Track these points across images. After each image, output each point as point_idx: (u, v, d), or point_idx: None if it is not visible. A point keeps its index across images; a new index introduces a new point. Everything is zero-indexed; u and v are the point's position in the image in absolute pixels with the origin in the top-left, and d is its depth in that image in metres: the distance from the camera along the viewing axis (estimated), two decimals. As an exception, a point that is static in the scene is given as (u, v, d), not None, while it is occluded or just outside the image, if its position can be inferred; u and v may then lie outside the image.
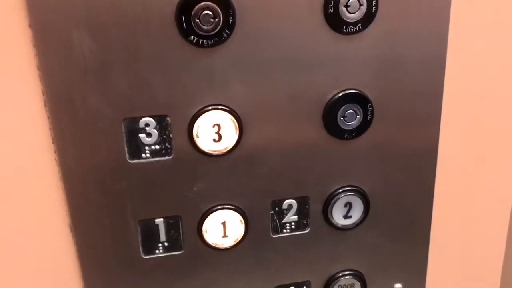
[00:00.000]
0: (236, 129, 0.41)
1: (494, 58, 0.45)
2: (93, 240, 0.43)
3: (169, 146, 0.41)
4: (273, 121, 0.42)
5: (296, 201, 0.46)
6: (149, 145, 0.41)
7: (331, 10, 0.39)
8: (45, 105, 0.38)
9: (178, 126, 0.41)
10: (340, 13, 0.39)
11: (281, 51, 0.40)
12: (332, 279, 0.50)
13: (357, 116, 0.43)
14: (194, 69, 0.39)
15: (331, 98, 0.42)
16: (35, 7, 0.35)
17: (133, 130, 0.40)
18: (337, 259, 0.49)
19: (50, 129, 0.39)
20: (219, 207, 0.44)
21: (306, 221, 0.47)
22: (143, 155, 0.41)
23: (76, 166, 0.40)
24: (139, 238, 0.44)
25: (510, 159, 0.50)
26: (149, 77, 0.39)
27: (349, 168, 0.46)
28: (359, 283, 0.51)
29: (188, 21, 0.37)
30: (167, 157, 0.42)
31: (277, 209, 0.46)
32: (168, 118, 0.40)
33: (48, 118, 0.39)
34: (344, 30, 0.40)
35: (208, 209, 0.44)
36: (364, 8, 0.39)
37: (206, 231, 0.45)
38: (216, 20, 0.37)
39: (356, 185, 0.46)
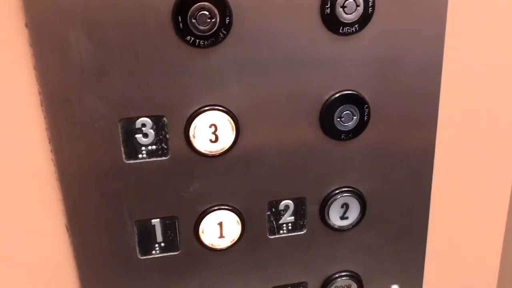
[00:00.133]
0: (232, 130, 0.42)
1: (491, 59, 0.45)
2: (89, 240, 0.43)
3: (165, 146, 0.41)
4: (269, 122, 0.42)
5: (292, 202, 0.46)
6: (146, 146, 0.41)
7: (328, 11, 0.39)
8: (41, 105, 0.38)
9: (175, 127, 0.41)
10: (336, 14, 0.39)
11: (278, 51, 0.40)
12: (329, 280, 0.50)
13: (354, 117, 0.43)
14: (191, 69, 0.39)
15: (328, 99, 0.42)
16: (31, 7, 0.36)
17: (130, 131, 0.40)
18: (334, 260, 0.49)
19: (46, 129, 0.39)
20: (215, 208, 0.44)
21: (303, 222, 0.47)
22: (140, 155, 0.41)
23: (72, 166, 0.40)
24: (136, 238, 0.44)
25: (507, 160, 0.50)
26: (145, 77, 0.39)
27: (346, 169, 0.46)
28: (356, 284, 0.51)
29: (184, 21, 0.37)
30: (163, 158, 0.42)
31: (273, 210, 0.46)
32: (164, 119, 0.40)
33: (44, 118, 0.39)
34: (340, 31, 0.40)
35: (205, 210, 0.44)
36: (360, 9, 0.40)
37: (202, 232, 0.45)
38: (213, 20, 0.37)
39: (353, 186, 0.47)
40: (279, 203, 0.46)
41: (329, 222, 0.47)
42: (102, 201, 0.42)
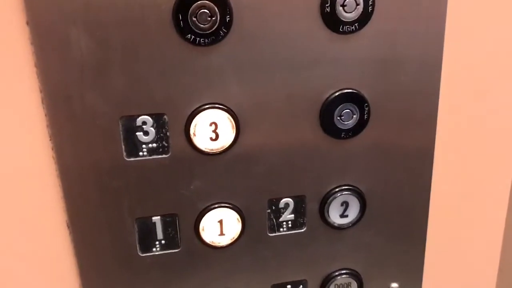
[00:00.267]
0: (233, 128, 0.42)
1: (490, 58, 0.45)
2: (90, 237, 0.43)
3: (166, 144, 0.42)
4: (269, 120, 0.42)
5: (292, 200, 0.46)
6: (146, 143, 0.41)
7: (328, 10, 0.39)
8: (42, 103, 0.39)
9: (175, 125, 0.41)
10: (336, 12, 0.39)
11: (278, 50, 0.40)
12: (329, 278, 0.50)
13: (354, 116, 0.44)
14: (191, 67, 0.39)
15: (328, 98, 0.43)
16: (33, 5, 0.36)
17: (130, 128, 0.41)
18: (334, 258, 0.50)
19: (47, 126, 0.39)
20: (216, 206, 0.44)
21: (303, 220, 0.47)
22: (140, 153, 0.41)
23: (73, 164, 0.41)
24: (136, 236, 0.44)
25: (506, 159, 0.50)
26: (146, 76, 0.39)
27: (346, 168, 0.46)
28: (355, 282, 0.51)
29: (185, 19, 0.37)
30: (164, 155, 0.42)
31: (273, 207, 0.46)
32: (165, 117, 0.41)
33: (45, 115, 0.39)
34: (340, 30, 0.40)
35: (205, 208, 0.44)
36: (360, 8, 0.40)
37: (203, 229, 0.45)
38: (213, 19, 0.38)
39: (353, 184, 0.47)
40: (279, 201, 0.46)
41: (329, 220, 0.47)
42: (102, 199, 0.42)
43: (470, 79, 0.46)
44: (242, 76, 0.40)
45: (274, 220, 0.47)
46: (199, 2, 0.37)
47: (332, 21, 0.40)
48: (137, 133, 0.41)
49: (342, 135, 0.44)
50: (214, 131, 0.42)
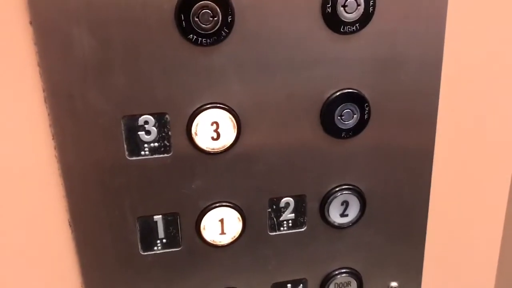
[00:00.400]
0: (234, 127, 0.42)
1: (491, 58, 0.46)
2: (92, 236, 0.44)
3: (168, 143, 0.42)
4: (271, 119, 0.43)
5: (293, 199, 0.46)
6: (148, 143, 0.42)
7: (329, 10, 0.39)
8: (45, 102, 0.39)
9: (177, 124, 0.41)
10: (337, 13, 0.40)
11: (279, 50, 0.40)
12: (329, 277, 0.50)
13: (354, 116, 0.44)
14: (193, 67, 0.40)
15: (329, 98, 0.43)
16: (36, 5, 0.36)
17: (132, 128, 0.41)
18: (334, 257, 0.50)
19: (50, 125, 0.40)
20: (217, 205, 0.45)
21: (303, 219, 0.47)
22: (142, 152, 0.42)
23: (75, 163, 0.41)
24: (138, 234, 0.44)
25: (506, 159, 0.51)
26: (148, 75, 0.39)
27: (346, 167, 0.46)
28: (355, 281, 0.51)
29: (187, 19, 0.38)
30: (166, 155, 0.42)
31: (274, 207, 0.46)
32: (167, 116, 0.41)
33: (48, 114, 0.39)
34: (341, 30, 0.40)
35: (206, 207, 0.45)
36: (361, 8, 0.40)
37: (204, 228, 0.45)
38: (215, 19, 0.38)
39: (353, 183, 0.47)
40: (280, 200, 0.46)
41: (329, 219, 0.48)
42: (104, 197, 0.42)
43: (470, 79, 0.46)
44: (244, 76, 0.41)
45: (275, 219, 0.47)
46: (201, 2, 0.37)
47: (333, 22, 0.40)
48: (139, 133, 0.41)
49: (343, 135, 0.44)
50: (216, 130, 0.42)
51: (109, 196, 0.42)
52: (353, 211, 0.48)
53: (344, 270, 0.50)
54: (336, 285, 0.51)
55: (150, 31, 0.38)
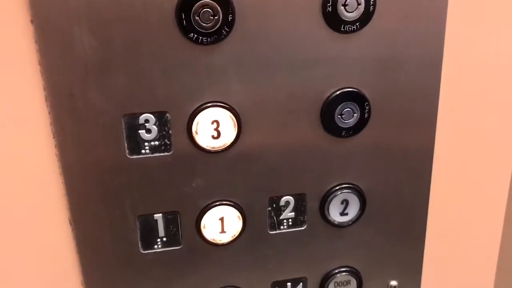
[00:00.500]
0: (234, 126, 0.42)
1: (491, 58, 0.46)
2: (92, 234, 0.44)
3: (168, 142, 0.42)
4: (271, 118, 0.43)
5: (293, 198, 0.46)
6: (149, 141, 0.42)
7: (329, 9, 0.40)
8: (46, 101, 0.39)
9: (178, 123, 0.41)
10: (338, 12, 0.40)
11: (280, 49, 0.40)
12: (328, 276, 0.50)
13: (354, 115, 0.44)
14: (194, 66, 0.40)
15: (329, 96, 0.43)
16: (37, 3, 0.36)
17: (133, 126, 0.41)
18: (334, 256, 0.50)
19: (50, 124, 0.40)
20: (217, 203, 0.45)
21: (303, 218, 0.47)
22: (143, 151, 0.42)
23: (76, 161, 0.41)
24: (138, 233, 0.44)
25: (505, 158, 0.51)
26: (149, 74, 0.39)
27: (346, 166, 0.46)
28: (355, 280, 0.51)
29: (188, 18, 0.38)
30: (166, 153, 0.42)
31: (274, 205, 0.46)
32: (167, 115, 0.41)
33: (49, 113, 0.39)
34: (342, 29, 0.40)
35: (207, 205, 0.45)
36: (362, 8, 0.40)
37: (204, 227, 0.45)
38: (216, 17, 0.38)
39: (353, 182, 0.47)
40: (280, 199, 0.46)
41: (329, 218, 0.48)
42: (105, 196, 0.42)
43: (470, 79, 0.46)
44: (244, 74, 0.41)
45: (275, 218, 0.47)
46: (201, 1, 0.37)
47: (333, 21, 0.40)
48: (140, 131, 0.41)
49: (343, 134, 0.44)
50: (216, 129, 0.42)
51: (109, 195, 0.43)
52: (353, 210, 0.48)
53: (344, 269, 0.50)
54: (336, 283, 0.51)
55: (151, 30, 0.38)
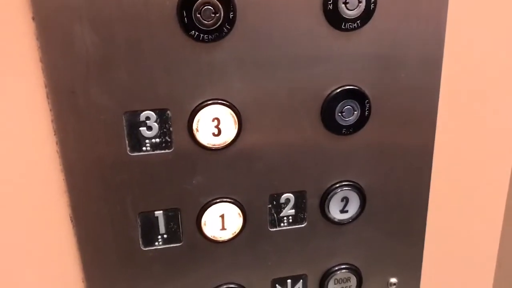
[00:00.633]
0: (235, 124, 0.42)
1: (491, 57, 0.46)
2: (93, 231, 0.44)
3: (169, 139, 0.42)
4: (271, 116, 0.43)
5: (293, 195, 0.47)
6: (150, 139, 0.42)
7: (330, 7, 0.40)
8: (47, 98, 0.39)
9: (178, 120, 0.41)
10: (339, 10, 0.40)
11: (281, 47, 0.40)
12: (328, 273, 0.51)
13: (355, 112, 0.44)
14: (195, 63, 0.40)
15: (329, 94, 0.43)
16: (38, 1, 0.36)
17: (134, 123, 0.41)
18: (334, 253, 0.50)
19: (52, 121, 0.40)
20: (218, 200, 0.45)
21: (303, 215, 0.48)
22: (144, 148, 0.42)
23: (77, 158, 0.41)
24: (139, 230, 0.45)
25: (505, 157, 0.51)
26: (150, 71, 0.39)
27: (346, 164, 0.46)
28: (354, 277, 0.51)
29: (189, 16, 0.38)
30: (167, 151, 0.42)
31: (274, 203, 0.46)
32: (168, 112, 0.41)
33: (50, 110, 0.39)
34: (343, 27, 0.40)
35: (207, 202, 0.45)
36: (362, 5, 0.40)
37: (205, 224, 0.45)
38: (217, 15, 0.38)
39: (353, 180, 0.47)
40: (280, 196, 0.46)
41: (329, 215, 0.48)
42: (106, 193, 0.43)
43: (470, 77, 0.46)
44: (245, 72, 0.41)
45: (275, 215, 0.47)
46: (203, -2, 0.37)
47: (334, 18, 0.40)
48: (141, 128, 0.41)
49: (343, 131, 0.44)
50: (217, 126, 0.42)
51: (110, 192, 0.43)
52: (353, 208, 0.48)
53: (343, 266, 0.51)
54: (336, 280, 0.51)
55: (152, 27, 0.38)
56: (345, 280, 0.51)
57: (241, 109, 0.42)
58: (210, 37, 0.39)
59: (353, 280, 0.51)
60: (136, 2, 0.37)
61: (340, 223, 0.48)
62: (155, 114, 0.41)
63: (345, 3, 0.40)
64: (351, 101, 0.43)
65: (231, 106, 0.41)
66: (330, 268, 0.51)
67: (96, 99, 0.39)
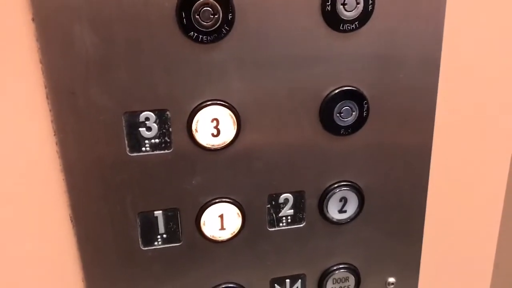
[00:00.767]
0: (234, 124, 0.42)
1: (489, 57, 0.46)
2: (93, 231, 0.44)
3: (168, 140, 0.42)
4: (270, 116, 0.43)
5: (292, 195, 0.47)
6: (149, 139, 0.42)
7: (329, 8, 0.40)
8: (47, 98, 0.39)
9: (178, 121, 0.42)
10: (337, 11, 0.40)
11: (279, 48, 0.40)
12: (327, 273, 0.51)
13: (353, 113, 0.44)
14: (194, 64, 0.40)
15: (328, 95, 0.43)
16: (38, 1, 0.36)
17: (134, 124, 0.41)
18: (332, 252, 0.50)
19: (52, 121, 0.40)
20: (217, 200, 0.45)
21: (302, 215, 0.48)
22: (143, 148, 0.42)
23: (77, 159, 0.41)
24: (138, 230, 0.45)
25: (503, 156, 0.51)
26: (149, 72, 0.39)
27: (345, 164, 0.46)
28: (353, 277, 0.51)
29: (188, 17, 0.38)
30: (166, 151, 0.42)
31: (273, 203, 0.47)
32: (168, 113, 0.41)
33: (50, 111, 0.40)
34: (341, 28, 0.41)
35: (206, 202, 0.45)
36: (361, 7, 0.40)
37: (204, 224, 0.46)
38: (216, 16, 0.38)
39: (352, 180, 0.47)
40: (279, 196, 0.46)
41: (328, 215, 0.48)
42: (105, 193, 0.43)
43: (468, 77, 0.47)
44: (244, 73, 0.41)
45: (274, 215, 0.47)
46: (202, 0, 0.38)
47: (332, 20, 0.40)
48: (140, 129, 0.41)
49: (342, 132, 0.45)
50: (216, 127, 0.42)
51: (110, 192, 0.43)
52: (351, 208, 0.48)
53: (342, 266, 0.51)
54: (334, 280, 0.51)
55: (151, 28, 0.38)
56: (343, 279, 0.51)
57: (240, 110, 0.42)
58: (209, 38, 0.39)
59: (352, 280, 0.52)
60: (135, 3, 0.37)
61: (339, 223, 0.49)
62: (155, 114, 0.41)
63: (343, 4, 0.40)
64: (349, 101, 0.44)
65: (230, 107, 0.42)
66: (329, 268, 0.51)
67: (95, 99, 0.39)
